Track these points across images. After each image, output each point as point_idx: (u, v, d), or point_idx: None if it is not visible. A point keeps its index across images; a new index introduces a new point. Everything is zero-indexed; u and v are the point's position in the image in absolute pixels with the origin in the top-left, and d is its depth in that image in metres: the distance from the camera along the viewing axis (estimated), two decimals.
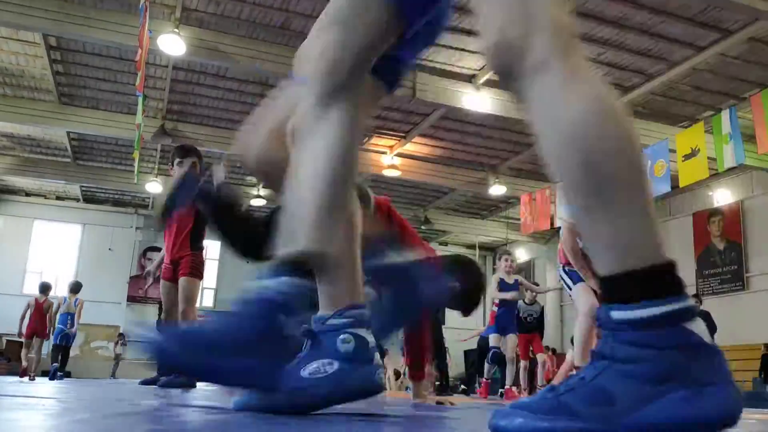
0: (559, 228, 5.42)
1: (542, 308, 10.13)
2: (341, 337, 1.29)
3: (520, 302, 9.39)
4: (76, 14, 10.21)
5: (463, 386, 12.00)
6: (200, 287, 4.72)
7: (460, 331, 23.49)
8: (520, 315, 9.46)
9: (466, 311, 3.10)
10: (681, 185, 11.48)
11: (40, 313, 10.05)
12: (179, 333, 1.40)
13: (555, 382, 7.02)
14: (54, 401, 1.96)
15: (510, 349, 8.57)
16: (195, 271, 4.56)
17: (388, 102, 13.37)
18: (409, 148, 15.67)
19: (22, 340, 10.32)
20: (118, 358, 17.58)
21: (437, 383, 6.48)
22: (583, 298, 4.67)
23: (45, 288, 10.55)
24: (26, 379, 9.21)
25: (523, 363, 9.57)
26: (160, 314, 8.04)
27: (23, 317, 10.01)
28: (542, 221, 14.54)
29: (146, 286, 4.70)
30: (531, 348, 9.69)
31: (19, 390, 3.03)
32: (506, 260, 8.43)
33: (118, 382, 9.71)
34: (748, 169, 14.77)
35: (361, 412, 1.60)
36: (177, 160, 4.71)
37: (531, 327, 9.60)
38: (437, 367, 6.11)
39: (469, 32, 10.80)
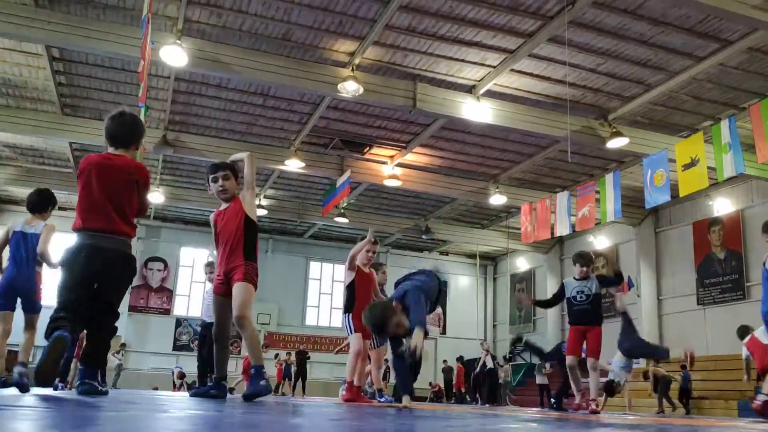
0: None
1: (597, 286, 7.11)
2: None
3: (570, 278, 7.32)
4: (79, 26, 10.28)
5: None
6: (253, 297, 4.57)
7: (458, 341, 23.48)
8: (568, 295, 7.09)
9: None
10: (681, 195, 11.50)
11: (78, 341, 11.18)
12: None
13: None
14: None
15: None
16: (248, 277, 4.41)
17: (388, 112, 13.43)
18: (410, 158, 15.72)
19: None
20: (119, 368, 17.55)
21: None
22: None
23: None
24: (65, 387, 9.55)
25: (570, 359, 7.08)
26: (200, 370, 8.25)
27: None
28: (542, 231, 14.53)
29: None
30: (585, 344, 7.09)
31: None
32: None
33: (127, 392, 9.77)
34: (747, 179, 14.82)
35: None
36: (211, 176, 4.64)
37: (583, 312, 6.96)
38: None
39: (470, 43, 10.86)
